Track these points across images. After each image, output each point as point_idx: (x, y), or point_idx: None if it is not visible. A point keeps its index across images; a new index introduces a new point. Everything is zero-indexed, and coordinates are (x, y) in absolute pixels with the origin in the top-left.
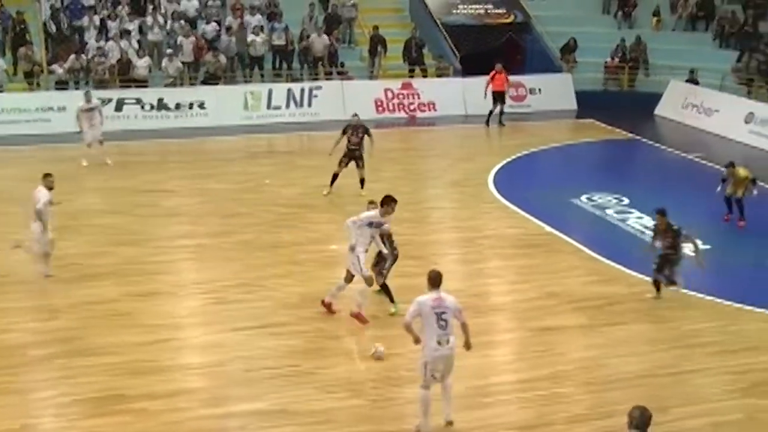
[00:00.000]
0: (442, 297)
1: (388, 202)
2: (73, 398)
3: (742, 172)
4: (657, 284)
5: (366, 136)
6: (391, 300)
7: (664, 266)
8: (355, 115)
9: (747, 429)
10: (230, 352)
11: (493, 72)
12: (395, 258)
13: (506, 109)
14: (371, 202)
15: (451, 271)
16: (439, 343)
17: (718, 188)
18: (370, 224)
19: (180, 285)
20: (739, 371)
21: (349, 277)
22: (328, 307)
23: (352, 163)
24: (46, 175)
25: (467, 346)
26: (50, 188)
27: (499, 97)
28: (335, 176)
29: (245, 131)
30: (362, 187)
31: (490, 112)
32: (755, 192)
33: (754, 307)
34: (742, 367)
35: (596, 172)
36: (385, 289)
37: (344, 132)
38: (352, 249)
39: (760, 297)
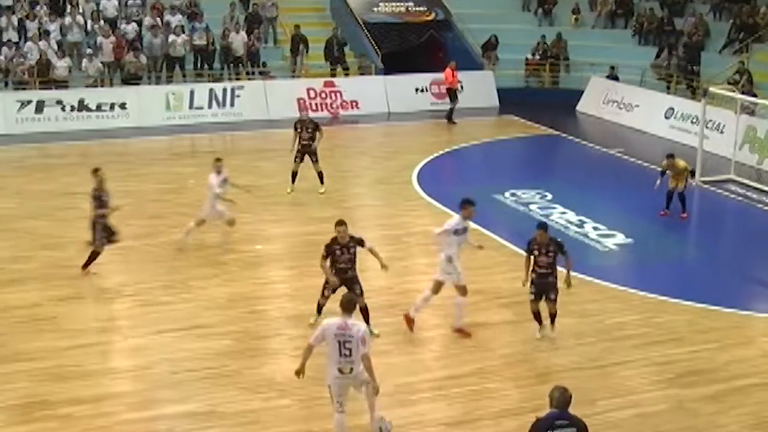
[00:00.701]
0: (349, 324)
1: (466, 205)
2: None
3: (681, 163)
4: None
5: (316, 131)
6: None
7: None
8: (304, 111)
9: (673, 419)
10: (156, 354)
11: (447, 68)
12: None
13: (429, 107)
14: None
15: (377, 269)
16: (340, 371)
17: (657, 182)
18: (456, 232)
19: (104, 288)
20: (664, 362)
21: (437, 288)
22: (411, 322)
23: (308, 159)
24: (217, 160)
25: (373, 388)
26: (219, 172)
27: (451, 93)
28: (294, 174)
29: (168, 132)
30: (321, 182)
31: (450, 109)
32: (693, 183)
33: (676, 299)
34: (666, 358)
35: (519, 169)
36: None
37: (295, 129)
38: (450, 259)
39: (682, 289)
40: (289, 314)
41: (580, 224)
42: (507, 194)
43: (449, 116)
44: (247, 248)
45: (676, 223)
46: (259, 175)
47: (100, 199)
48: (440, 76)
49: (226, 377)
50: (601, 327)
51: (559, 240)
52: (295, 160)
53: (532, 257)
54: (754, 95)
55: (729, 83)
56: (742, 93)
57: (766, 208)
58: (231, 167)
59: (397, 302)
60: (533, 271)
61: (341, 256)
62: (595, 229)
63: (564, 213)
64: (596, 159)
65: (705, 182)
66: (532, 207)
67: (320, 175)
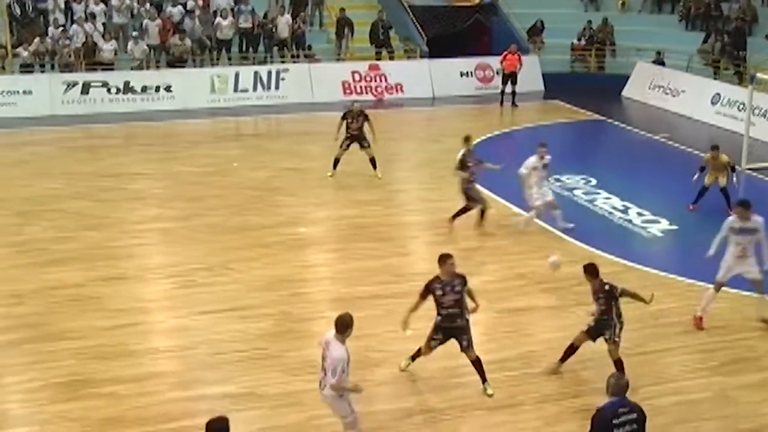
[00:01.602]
0: (331, 344)
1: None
2: (40, 383)
3: (724, 157)
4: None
5: (366, 122)
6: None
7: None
8: (356, 102)
9: (715, 407)
10: (198, 335)
11: (505, 52)
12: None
13: (474, 92)
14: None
15: (419, 252)
16: (319, 383)
17: (695, 176)
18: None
19: (147, 269)
20: (707, 350)
21: (719, 287)
22: (699, 322)
23: (355, 146)
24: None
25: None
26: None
27: (510, 77)
28: (337, 160)
29: (212, 114)
30: (375, 168)
31: (502, 92)
32: (735, 180)
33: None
34: (709, 345)
35: (564, 154)
36: None
37: (344, 118)
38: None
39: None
40: (331, 297)
41: (624, 210)
42: (552, 179)
43: (501, 100)
44: (291, 231)
45: (722, 210)
46: (304, 158)
47: (465, 165)
48: (486, 60)
49: (267, 359)
50: (643, 313)
51: (607, 287)
52: (341, 147)
53: None
54: None
55: None
56: None
57: None
58: (275, 150)
59: None
60: None
61: (444, 297)
62: (639, 215)
63: (608, 198)
64: (641, 145)
65: (752, 169)
66: (577, 192)
67: (373, 161)
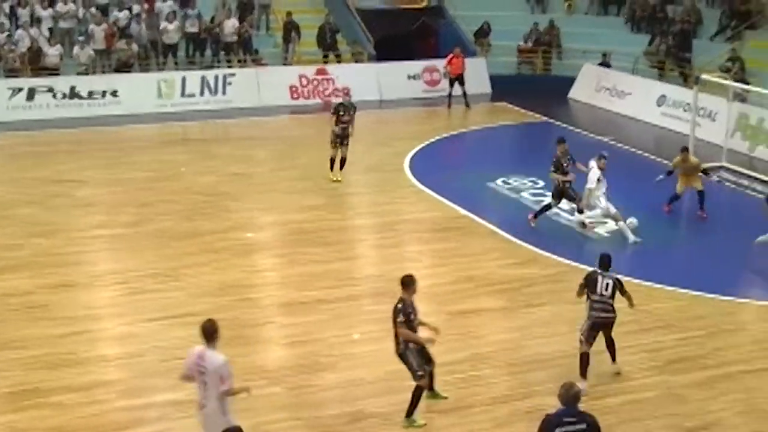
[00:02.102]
0: (206, 355)
1: None
2: None
3: (694, 159)
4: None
5: (353, 115)
6: None
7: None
8: (347, 95)
9: (663, 405)
10: (146, 342)
11: (451, 55)
12: None
13: (422, 94)
14: None
15: (368, 256)
16: (199, 403)
17: (661, 177)
18: None
19: (95, 276)
20: (655, 349)
21: None
22: None
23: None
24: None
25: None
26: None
27: (457, 79)
28: (332, 160)
29: (159, 119)
30: (341, 168)
31: (449, 95)
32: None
33: (665, 286)
34: (656, 345)
35: (511, 156)
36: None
37: (335, 112)
38: None
39: (673, 276)
40: (279, 302)
41: (571, 211)
42: (499, 181)
43: (449, 102)
44: (239, 236)
45: (678, 213)
46: (251, 163)
47: (561, 167)
48: (433, 63)
49: None
50: None
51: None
52: (333, 146)
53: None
54: (747, 83)
55: (721, 70)
56: (735, 80)
57: (758, 195)
58: (222, 155)
59: (388, 289)
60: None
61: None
62: (587, 216)
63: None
64: (588, 146)
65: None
66: (524, 194)
67: (343, 161)
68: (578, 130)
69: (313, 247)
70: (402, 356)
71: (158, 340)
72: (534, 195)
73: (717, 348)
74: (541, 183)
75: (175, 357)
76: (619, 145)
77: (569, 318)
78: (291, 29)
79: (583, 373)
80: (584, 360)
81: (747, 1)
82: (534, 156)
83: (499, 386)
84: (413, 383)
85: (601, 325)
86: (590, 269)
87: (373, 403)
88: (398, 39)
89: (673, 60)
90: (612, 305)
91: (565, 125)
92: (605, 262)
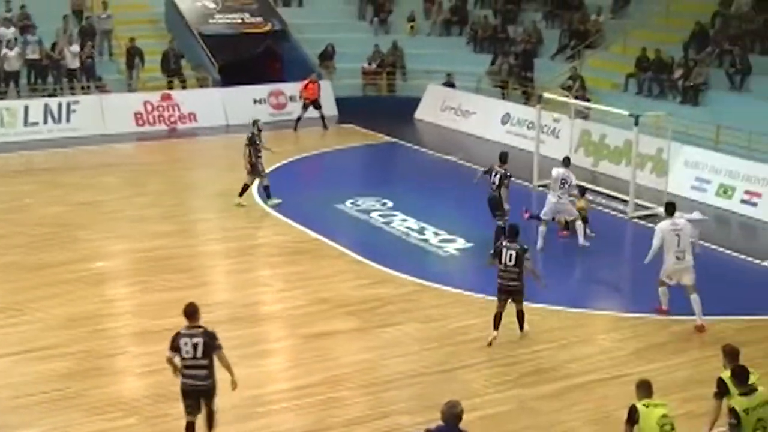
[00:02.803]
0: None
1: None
2: None
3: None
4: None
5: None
6: None
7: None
8: (257, 120)
9: (515, 419)
10: None
11: (307, 81)
12: None
13: (268, 118)
14: None
15: (221, 282)
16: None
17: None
18: None
19: None
20: (507, 363)
21: None
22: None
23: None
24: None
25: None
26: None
27: (313, 104)
28: (266, 187)
29: (2, 149)
30: (241, 195)
31: (299, 118)
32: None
33: None
34: (509, 359)
35: (359, 177)
36: None
37: (252, 143)
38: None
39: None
40: (133, 331)
41: (421, 231)
42: (348, 203)
43: (324, 124)
44: (89, 266)
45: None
46: (99, 191)
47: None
48: (278, 86)
49: (69, 399)
50: (444, 332)
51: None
52: (260, 173)
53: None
54: (587, 100)
55: (562, 88)
56: (576, 98)
57: (602, 209)
58: (68, 184)
59: (242, 315)
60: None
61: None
62: (435, 234)
63: (405, 220)
64: (435, 165)
65: (541, 185)
66: (373, 215)
67: (246, 188)
68: (425, 150)
69: (166, 274)
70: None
71: (9, 376)
72: (383, 216)
73: (568, 359)
74: (390, 203)
75: (27, 393)
76: (467, 164)
77: (423, 337)
78: (134, 55)
79: (495, 326)
80: (496, 318)
81: (585, 21)
82: (382, 177)
83: (356, 407)
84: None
85: (506, 291)
86: (447, 288)
87: (229, 430)
88: (243, 63)
89: (516, 79)
90: (517, 274)
91: (411, 145)
92: (512, 233)
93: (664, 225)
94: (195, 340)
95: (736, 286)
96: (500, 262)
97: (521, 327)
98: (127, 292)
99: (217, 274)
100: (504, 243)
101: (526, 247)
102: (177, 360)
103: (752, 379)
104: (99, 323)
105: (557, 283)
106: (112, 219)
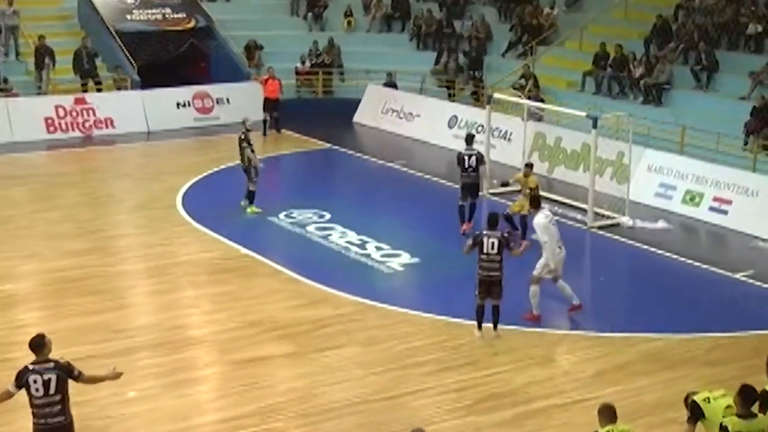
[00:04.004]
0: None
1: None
2: None
3: (534, 180)
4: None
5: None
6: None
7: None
8: (246, 119)
9: None
10: None
11: (265, 77)
12: None
13: (193, 123)
14: None
15: (142, 304)
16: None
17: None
18: None
19: None
20: (461, 388)
21: None
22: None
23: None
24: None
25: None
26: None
27: (271, 104)
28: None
29: None
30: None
31: (264, 121)
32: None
33: (469, 321)
34: (462, 384)
35: (294, 187)
36: None
37: (245, 141)
38: None
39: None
40: None
41: (362, 245)
42: (282, 215)
43: (277, 127)
44: None
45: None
46: (6, 205)
47: None
48: (204, 88)
49: None
50: (389, 355)
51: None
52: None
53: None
54: (542, 100)
55: (514, 88)
56: (529, 98)
57: (559, 218)
58: None
59: (165, 340)
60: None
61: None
62: (378, 249)
63: (344, 234)
64: (377, 173)
65: (493, 194)
66: (310, 228)
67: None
68: (365, 156)
69: (81, 296)
70: None
71: None
72: (320, 229)
73: (525, 383)
74: (327, 215)
75: None
76: (411, 171)
77: (365, 361)
78: (44, 54)
79: (479, 325)
80: (478, 312)
81: (538, 14)
82: (318, 186)
83: None
84: None
85: (488, 282)
86: (391, 307)
87: None
88: (164, 63)
89: (464, 78)
90: (499, 263)
91: (350, 151)
92: (492, 221)
93: (542, 219)
94: (47, 376)
95: (705, 302)
96: (482, 252)
97: (495, 326)
98: (38, 317)
99: (138, 296)
100: (484, 231)
101: (507, 233)
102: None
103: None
104: (6, 352)
105: (512, 300)
106: (21, 236)
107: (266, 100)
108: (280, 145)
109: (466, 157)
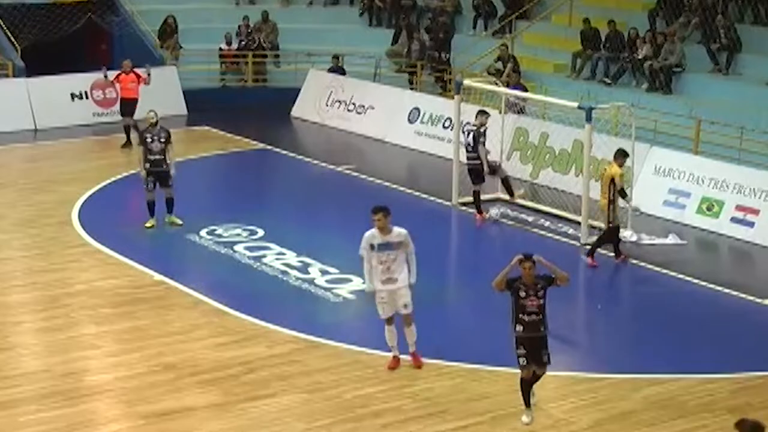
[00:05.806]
0: None
1: None
2: None
3: (615, 169)
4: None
5: (168, 144)
6: None
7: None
8: (152, 111)
9: None
10: None
11: (118, 72)
12: None
13: (92, 119)
14: None
15: (28, 344)
16: None
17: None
18: None
19: None
20: None
21: None
22: None
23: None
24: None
25: None
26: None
27: (128, 106)
28: (152, 204)
29: None
30: (171, 212)
31: (125, 127)
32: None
33: (436, 360)
34: None
35: (218, 198)
36: None
37: (143, 140)
38: None
39: (444, 346)
40: None
41: (303, 268)
42: (204, 233)
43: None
44: None
45: (430, 259)
46: None
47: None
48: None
49: None
50: (338, 403)
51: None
52: (148, 187)
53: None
54: (524, 88)
55: (489, 73)
56: (507, 85)
57: (547, 234)
58: None
59: (58, 389)
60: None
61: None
62: (322, 273)
63: (281, 254)
64: (320, 179)
65: (463, 204)
66: (238, 248)
67: (170, 204)
68: (307, 159)
69: None
70: None
71: None
72: (252, 249)
73: None
74: (261, 232)
75: None
76: (362, 176)
77: (308, 411)
78: None
79: (527, 403)
80: (523, 386)
81: None
82: (248, 196)
83: None
84: None
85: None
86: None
87: None
88: (56, 44)
89: (428, 62)
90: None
91: (287, 152)
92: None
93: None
94: None
95: (728, 334)
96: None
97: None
98: None
99: (24, 334)
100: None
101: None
102: None
103: None
104: None
105: (491, 338)
106: None
107: (123, 102)
108: (201, 146)
109: (465, 134)
